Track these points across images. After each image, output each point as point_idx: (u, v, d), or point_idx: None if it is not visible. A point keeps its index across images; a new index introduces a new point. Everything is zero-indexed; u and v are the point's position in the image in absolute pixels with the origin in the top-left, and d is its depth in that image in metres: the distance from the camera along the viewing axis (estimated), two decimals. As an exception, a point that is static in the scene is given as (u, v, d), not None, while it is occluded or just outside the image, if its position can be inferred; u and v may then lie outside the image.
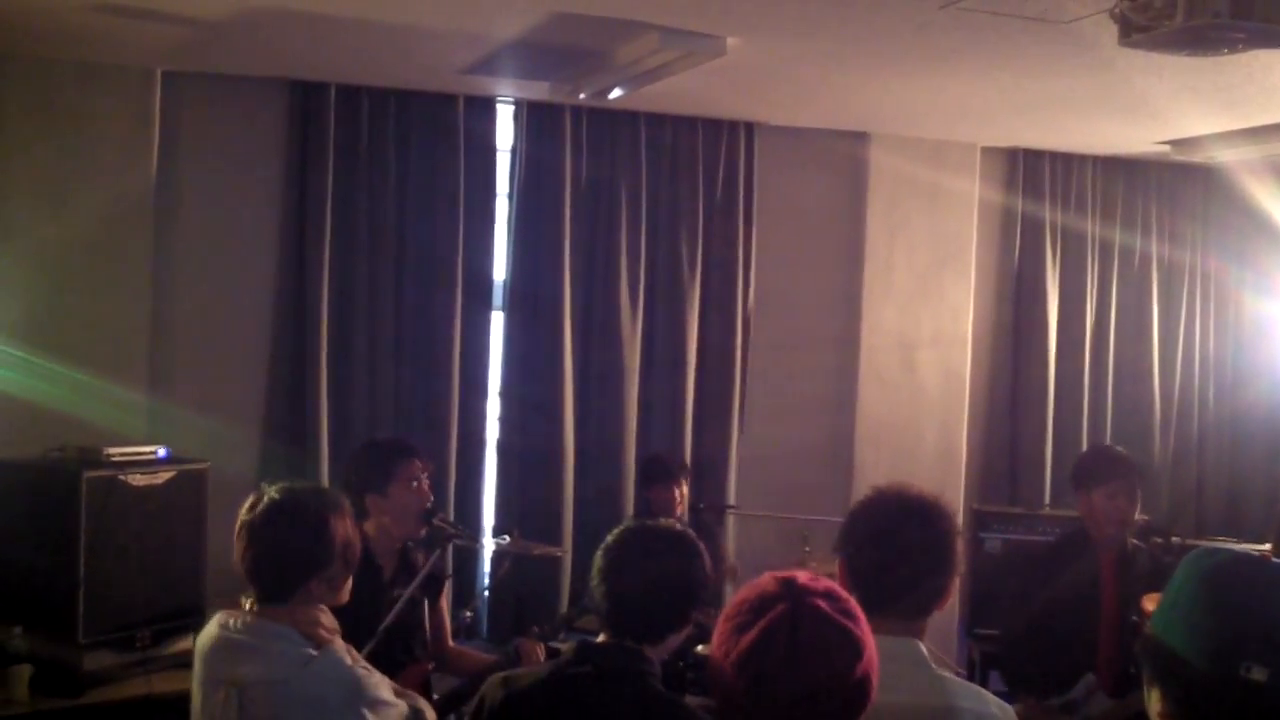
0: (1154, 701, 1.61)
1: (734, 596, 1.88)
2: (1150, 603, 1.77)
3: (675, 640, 2.52)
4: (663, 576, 2.47)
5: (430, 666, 3.79)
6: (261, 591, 2.71)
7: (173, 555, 4.41)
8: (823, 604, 1.79)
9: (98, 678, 4.17)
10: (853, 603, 1.85)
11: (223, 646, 2.71)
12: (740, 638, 1.77)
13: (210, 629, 2.78)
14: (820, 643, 1.73)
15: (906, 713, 2.22)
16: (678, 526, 2.63)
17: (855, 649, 1.77)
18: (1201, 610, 1.57)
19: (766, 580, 1.85)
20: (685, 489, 5.52)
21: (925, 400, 6.52)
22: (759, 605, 1.79)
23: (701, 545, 2.59)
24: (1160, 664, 1.59)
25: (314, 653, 2.66)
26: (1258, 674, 1.50)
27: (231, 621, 2.72)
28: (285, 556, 2.70)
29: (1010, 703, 4.04)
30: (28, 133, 5.13)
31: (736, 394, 6.22)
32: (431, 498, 3.86)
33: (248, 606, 2.74)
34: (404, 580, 3.80)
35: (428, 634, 3.89)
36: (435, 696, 3.73)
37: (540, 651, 3.73)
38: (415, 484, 3.79)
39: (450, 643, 4.11)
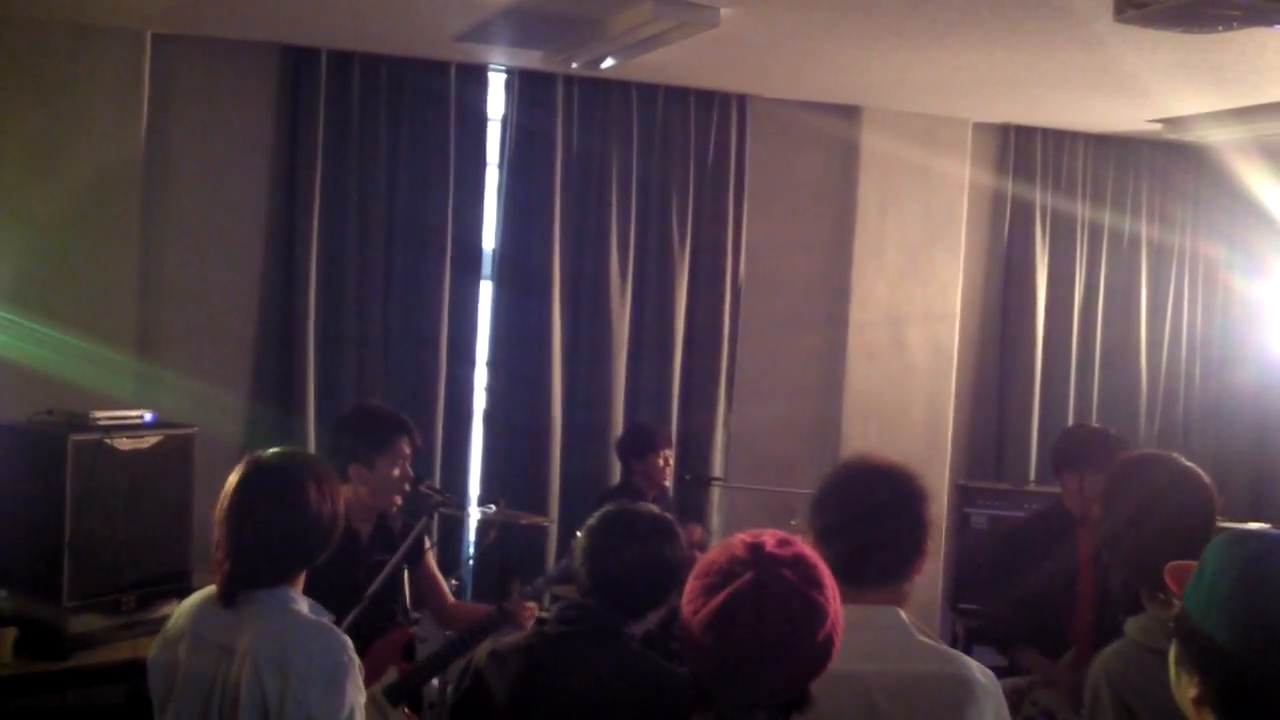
0: (1187, 687, 1.60)
1: (706, 554, 1.91)
2: (1172, 576, 1.74)
3: (654, 616, 2.69)
4: (646, 559, 2.63)
5: (411, 631, 3.80)
6: (247, 575, 2.49)
7: (159, 519, 4.39)
8: (789, 573, 1.81)
9: (83, 641, 4.15)
10: (820, 569, 1.87)
11: (217, 608, 2.53)
12: (708, 600, 1.80)
13: (196, 594, 2.66)
14: (784, 612, 1.77)
15: (890, 680, 2.23)
16: (656, 511, 2.78)
17: (819, 616, 1.81)
18: (1244, 599, 1.54)
19: (737, 543, 1.87)
20: (670, 456, 5.52)
21: (914, 376, 6.54)
22: (728, 570, 1.82)
23: (678, 528, 2.75)
24: (1200, 652, 1.57)
25: (320, 619, 2.52)
26: None
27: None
28: (284, 543, 2.51)
29: (1010, 670, 4.08)
30: (17, 96, 5.09)
31: (725, 368, 6.23)
32: (412, 475, 3.85)
33: None
34: (382, 545, 3.81)
35: (407, 599, 3.89)
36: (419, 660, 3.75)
37: (528, 612, 3.74)
38: (401, 462, 3.78)
39: (450, 600, 4.12)
